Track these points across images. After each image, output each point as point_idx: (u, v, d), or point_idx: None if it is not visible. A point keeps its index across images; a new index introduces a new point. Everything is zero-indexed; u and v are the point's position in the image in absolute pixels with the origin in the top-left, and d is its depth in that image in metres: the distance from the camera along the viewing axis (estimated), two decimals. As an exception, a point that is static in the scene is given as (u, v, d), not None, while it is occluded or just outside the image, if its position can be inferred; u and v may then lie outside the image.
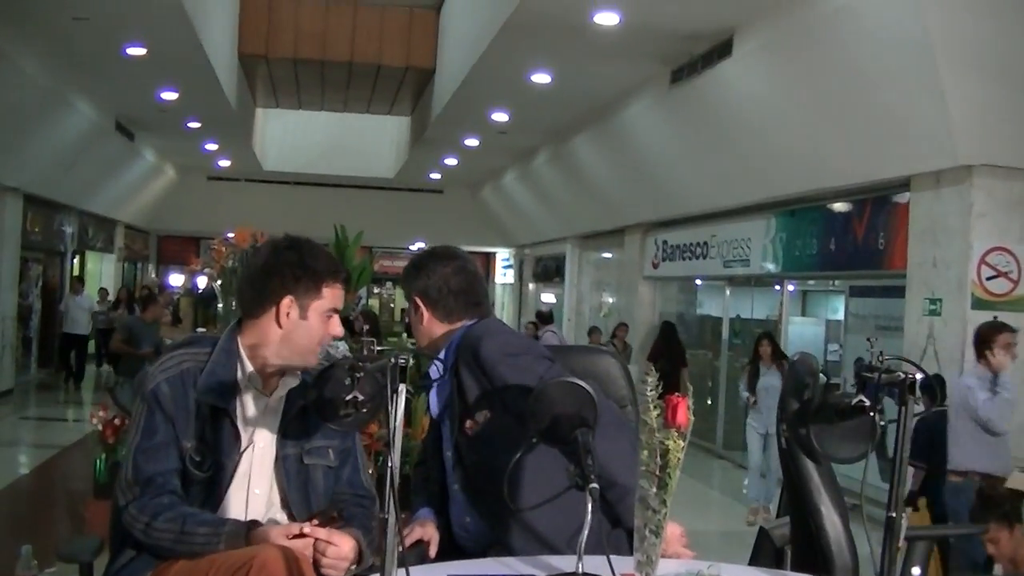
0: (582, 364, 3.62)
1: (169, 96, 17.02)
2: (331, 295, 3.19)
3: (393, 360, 2.53)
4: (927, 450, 7.67)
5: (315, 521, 2.99)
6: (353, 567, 2.99)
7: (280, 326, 3.15)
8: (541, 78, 14.26)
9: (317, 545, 2.93)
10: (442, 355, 3.57)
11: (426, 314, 3.61)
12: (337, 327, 3.22)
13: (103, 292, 23.22)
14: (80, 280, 21.67)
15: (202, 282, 25.81)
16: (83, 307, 20.54)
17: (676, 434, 2.59)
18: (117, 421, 7.76)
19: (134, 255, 30.15)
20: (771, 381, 11.15)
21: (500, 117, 17.45)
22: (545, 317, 19.54)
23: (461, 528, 3.57)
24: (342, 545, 2.96)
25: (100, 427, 7.87)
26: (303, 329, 3.15)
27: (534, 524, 3.32)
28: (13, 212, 17.69)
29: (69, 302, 20.40)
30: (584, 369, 3.49)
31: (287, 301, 3.14)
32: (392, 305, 34.61)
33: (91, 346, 21.69)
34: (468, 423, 3.45)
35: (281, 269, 3.17)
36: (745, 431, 11.96)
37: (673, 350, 16.67)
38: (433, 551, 3.48)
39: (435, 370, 3.56)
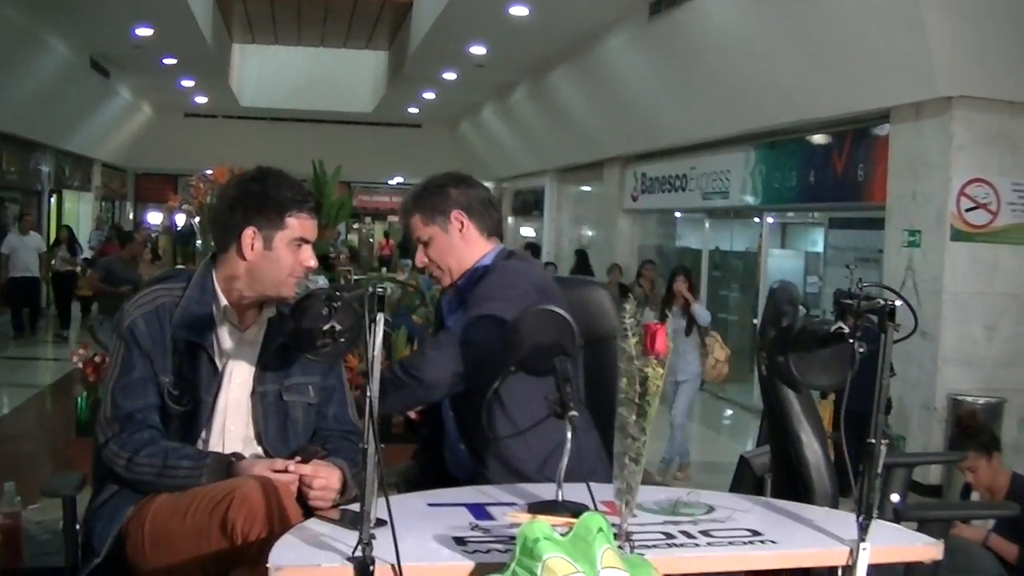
0: (572, 297, 3.59)
1: (144, 32, 16.79)
2: (298, 225, 3.13)
3: (371, 289, 2.50)
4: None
5: (298, 458, 2.98)
6: (338, 497, 2.99)
7: (244, 258, 3.12)
8: (519, 11, 14.13)
9: (304, 479, 2.93)
10: (463, 281, 3.55)
11: (471, 228, 3.57)
12: (309, 257, 3.17)
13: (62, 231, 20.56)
14: (27, 217, 18.96)
15: (180, 219, 25.78)
16: (31, 247, 18.15)
17: (655, 361, 2.59)
18: (98, 359, 7.72)
19: (112, 194, 29.91)
20: (679, 324, 9.88)
21: (478, 51, 17.30)
22: (535, 251, 19.53)
23: (453, 454, 3.60)
24: (329, 477, 2.97)
25: (81, 365, 7.84)
26: (269, 260, 3.11)
27: (514, 452, 3.33)
28: (-12, 152, 17.47)
29: (16, 243, 17.91)
30: (574, 302, 3.47)
31: (249, 232, 3.10)
32: (371, 240, 34.47)
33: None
34: None
35: (244, 201, 3.13)
36: None
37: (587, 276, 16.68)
38: None
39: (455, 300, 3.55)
